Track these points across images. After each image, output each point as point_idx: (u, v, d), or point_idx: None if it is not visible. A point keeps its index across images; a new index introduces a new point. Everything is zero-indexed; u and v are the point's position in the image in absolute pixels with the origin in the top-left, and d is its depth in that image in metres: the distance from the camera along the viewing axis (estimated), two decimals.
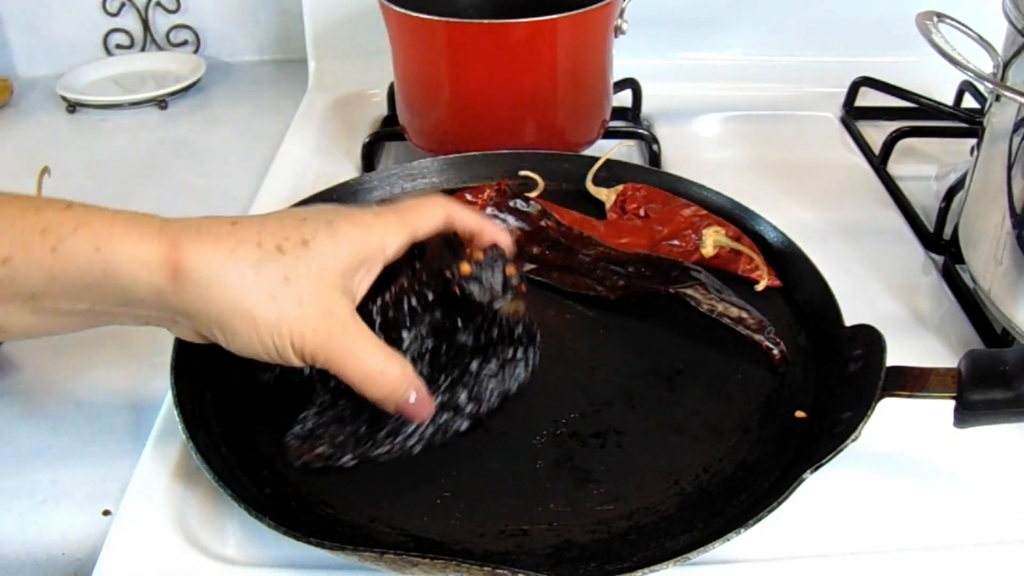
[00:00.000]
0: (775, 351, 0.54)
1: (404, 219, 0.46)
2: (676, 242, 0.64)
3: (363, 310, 0.45)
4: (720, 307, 0.56)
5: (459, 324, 0.47)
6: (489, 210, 0.65)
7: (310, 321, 0.41)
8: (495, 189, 0.67)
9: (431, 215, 0.47)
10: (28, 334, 0.43)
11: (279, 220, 0.43)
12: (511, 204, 0.66)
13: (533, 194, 0.69)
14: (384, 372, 0.43)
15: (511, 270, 0.48)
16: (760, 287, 0.60)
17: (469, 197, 0.68)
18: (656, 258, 0.62)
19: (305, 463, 0.46)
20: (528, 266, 0.62)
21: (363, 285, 0.45)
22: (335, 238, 0.42)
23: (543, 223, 0.65)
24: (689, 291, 0.56)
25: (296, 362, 0.42)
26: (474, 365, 0.49)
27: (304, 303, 0.41)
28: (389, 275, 0.46)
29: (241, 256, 0.40)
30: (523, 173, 0.71)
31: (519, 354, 0.50)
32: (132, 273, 0.39)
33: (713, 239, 0.63)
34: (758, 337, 0.55)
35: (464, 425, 0.48)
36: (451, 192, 0.70)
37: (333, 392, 0.47)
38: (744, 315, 0.55)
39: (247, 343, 0.42)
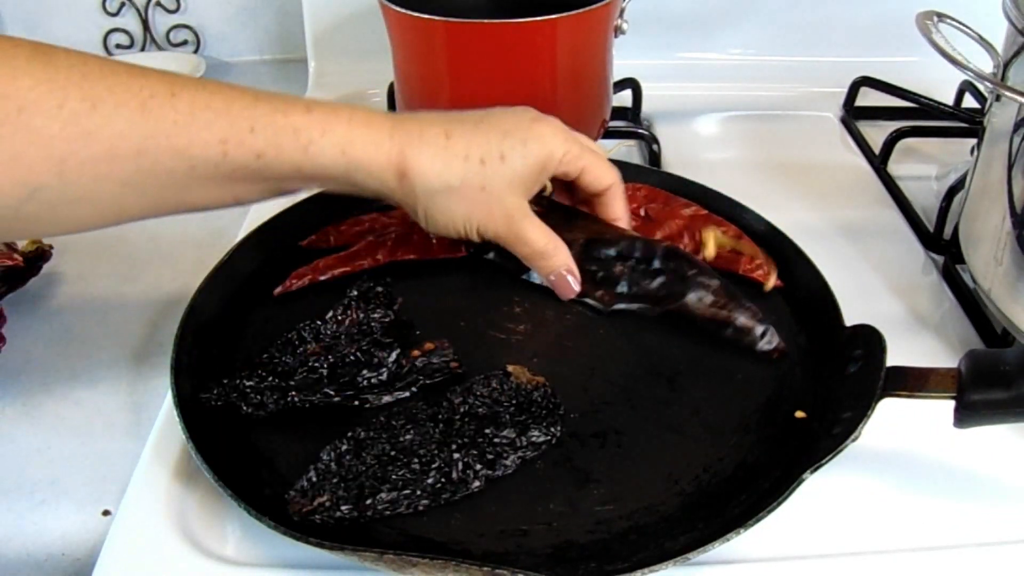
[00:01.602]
0: (775, 353, 0.55)
1: (579, 150, 0.56)
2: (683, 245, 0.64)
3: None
4: (721, 314, 0.56)
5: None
6: None
7: (494, 219, 0.53)
8: None
9: (593, 165, 0.57)
10: (246, 204, 0.52)
11: (485, 133, 0.52)
12: None
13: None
14: (545, 251, 0.55)
15: (455, 364, 0.53)
16: (769, 286, 0.60)
17: None
18: (645, 243, 0.59)
19: (304, 515, 0.44)
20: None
21: (539, 183, 0.56)
22: (526, 157, 0.53)
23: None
24: (693, 298, 0.57)
25: (477, 239, 0.55)
26: (488, 430, 0.48)
27: (492, 208, 0.53)
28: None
29: (451, 169, 0.51)
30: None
31: (537, 422, 0.49)
32: (368, 172, 0.50)
33: (715, 240, 0.63)
34: (762, 345, 0.55)
35: (477, 486, 0.46)
36: None
37: (356, 442, 0.47)
38: (743, 324, 0.56)
39: (442, 227, 0.54)
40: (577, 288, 0.57)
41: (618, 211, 0.59)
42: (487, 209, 0.53)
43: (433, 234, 0.56)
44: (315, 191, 0.69)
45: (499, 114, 0.54)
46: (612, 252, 0.59)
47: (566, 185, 0.59)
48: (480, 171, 0.52)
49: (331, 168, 0.49)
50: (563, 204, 0.63)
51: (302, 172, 0.48)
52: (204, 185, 0.47)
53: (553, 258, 0.56)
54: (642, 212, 0.67)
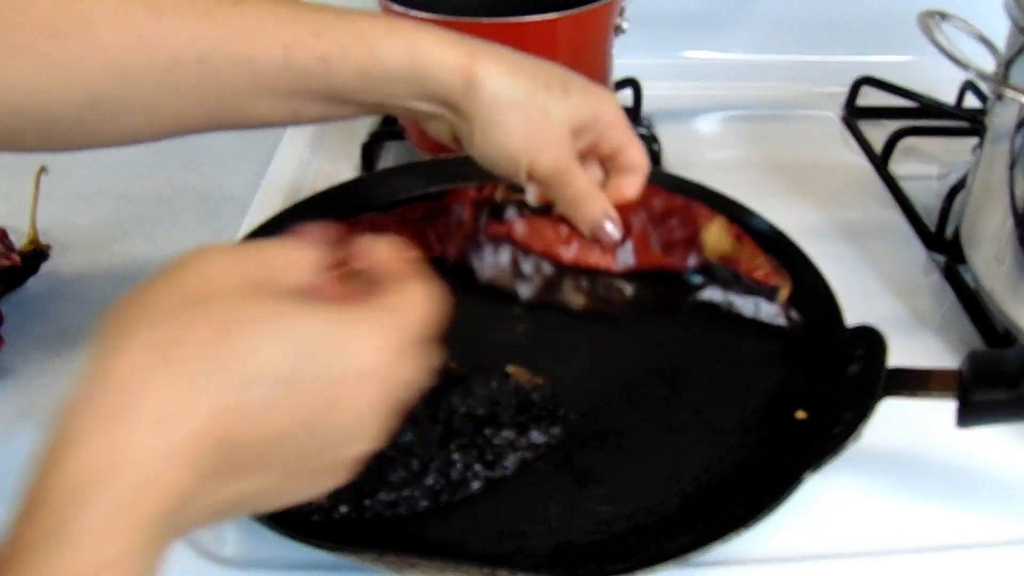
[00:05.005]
0: (796, 329, 0.57)
1: (626, 124, 0.54)
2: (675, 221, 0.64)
3: None
4: (738, 304, 0.57)
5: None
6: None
7: (551, 150, 0.50)
8: (462, 235, 0.63)
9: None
10: (302, 122, 0.50)
11: (548, 67, 0.51)
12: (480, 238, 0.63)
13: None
14: (592, 193, 0.52)
15: (453, 365, 0.51)
16: (782, 298, 0.60)
17: (473, 192, 0.68)
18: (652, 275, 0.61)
19: (302, 515, 0.44)
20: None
21: (580, 140, 0.52)
22: (585, 98, 0.51)
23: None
24: (707, 295, 0.57)
25: (520, 176, 0.51)
26: (487, 431, 0.48)
27: (551, 138, 0.50)
28: None
29: (520, 81, 0.49)
30: None
31: (537, 422, 0.49)
32: (435, 74, 0.48)
33: (714, 239, 0.61)
34: (780, 321, 0.57)
35: (477, 486, 0.46)
36: (450, 191, 0.70)
37: None
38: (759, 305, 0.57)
39: (495, 150, 0.50)
40: (619, 234, 0.54)
41: (632, 194, 0.56)
42: (546, 138, 0.50)
43: (480, 161, 0.53)
44: (322, 188, 0.69)
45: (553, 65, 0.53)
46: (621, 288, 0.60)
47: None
48: (546, 95, 0.50)
49: (396, 70, 0.47)
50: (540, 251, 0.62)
51: (367, 75, 0.47)
52: (265, 96, 0.46)
53: (598, 201, 0.53)
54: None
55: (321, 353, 0.31)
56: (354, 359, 0.32)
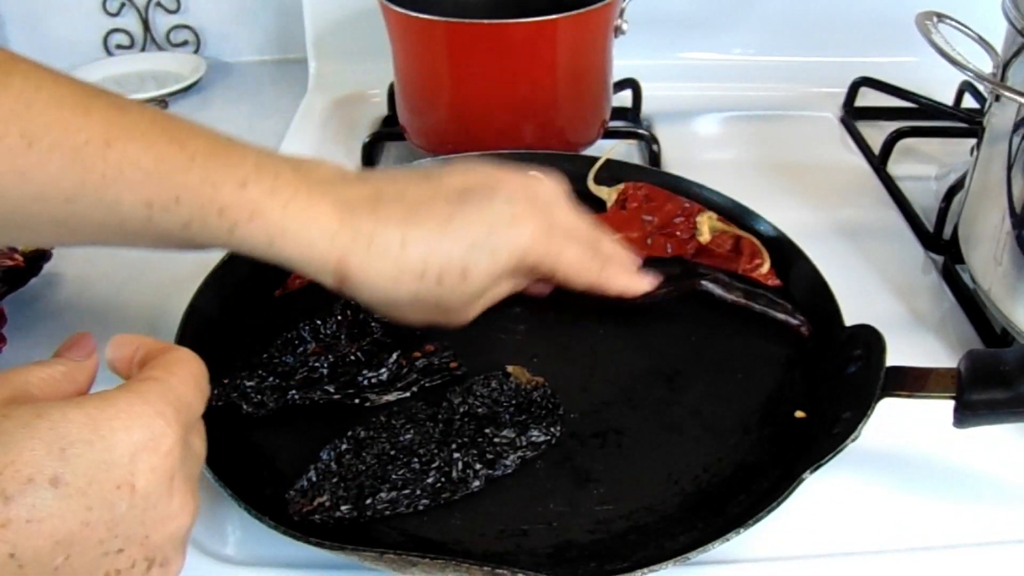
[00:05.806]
0: (803, 328, 0.56)
1: (556, 253, 0.50)
2: (677, 232, 0.64)
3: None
4: (745, 297, 0.57)
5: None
6: None
7: (448, 324, 0.49)
8: None
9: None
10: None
11: (451, 240, 0.46)
12: None
13: None
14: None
15: (454, 365, 0.53)
16: (764, 270, 0.61)
17: None
18: (658, 260, 0.62)
19: (304, 515, 0.44)
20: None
21: (508, 285, 0.51)
22: (492, 267, 0.47)
23: None
24: (711, 285, 0.57)
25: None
26: (488, 430, 0.48)
27: (445, 318, 0.48)
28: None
29: (402, 285, 0.45)
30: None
31: (537, 422, 0.49)
32: (299, 267, 0.45)
33: (709, 224, 0.64)
34: (788, 318, 0.57)
35: (477, 485, 0.46)
36: None
37: (356, 441, 0.47)
38: (771, 297, 0.57)
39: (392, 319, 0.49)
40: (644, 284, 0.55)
41: (615, 290, 0.54)
42: (439, 319, 0.48)
43: None
44: None
45: (477, 206, 0.47)
46: None
47: None
48: (435, 290, 0.46)
49: (258, 253, 0.44)
50: None
51: (229, 246, 0.44)
52: (137, 239, 0.44)
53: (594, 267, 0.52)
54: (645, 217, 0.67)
55: (86, 442, 0.29)
56: (123, 436, 0.30)
